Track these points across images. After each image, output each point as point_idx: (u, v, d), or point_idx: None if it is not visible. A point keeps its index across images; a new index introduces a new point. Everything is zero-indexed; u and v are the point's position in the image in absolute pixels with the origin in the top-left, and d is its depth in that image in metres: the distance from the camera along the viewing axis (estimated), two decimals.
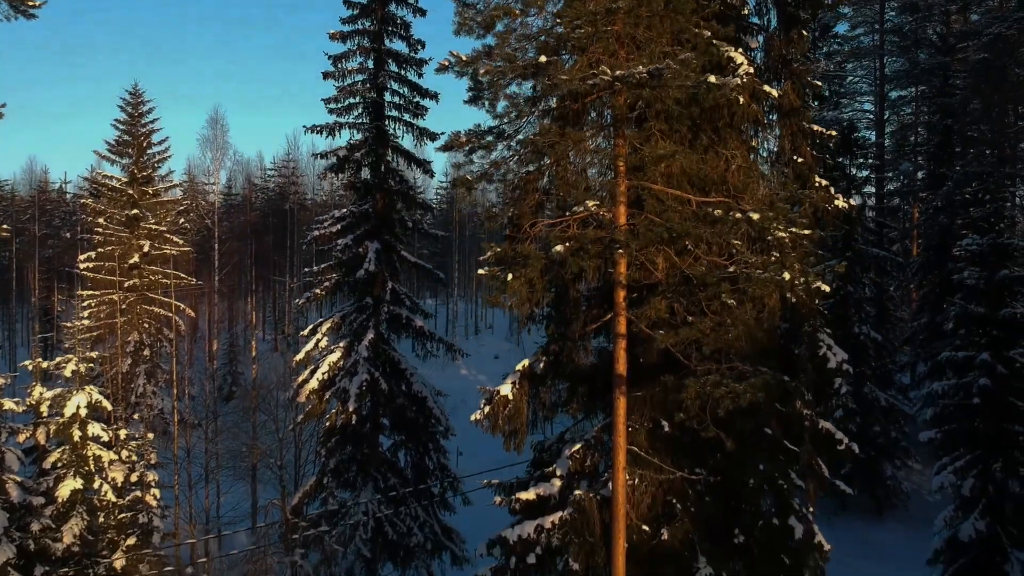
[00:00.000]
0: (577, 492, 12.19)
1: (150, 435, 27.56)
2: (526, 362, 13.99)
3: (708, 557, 11.96)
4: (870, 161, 35.15)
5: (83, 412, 24.14)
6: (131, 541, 24.32)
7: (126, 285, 42.91)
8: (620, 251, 10.71)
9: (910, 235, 44.49)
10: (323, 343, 25.28)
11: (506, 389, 13.80)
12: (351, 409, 23.83)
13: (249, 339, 52.54)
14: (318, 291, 25.20)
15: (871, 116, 41.01)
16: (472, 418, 13.85)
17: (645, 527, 12.17)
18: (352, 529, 24.01)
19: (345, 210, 25.56)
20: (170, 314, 42.98)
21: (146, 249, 43.36)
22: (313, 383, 24.55)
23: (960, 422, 22.44)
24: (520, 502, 12.81)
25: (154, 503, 25.04)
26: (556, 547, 12.15)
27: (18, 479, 23.21)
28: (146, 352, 43.90)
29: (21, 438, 24.30)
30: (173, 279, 42.99)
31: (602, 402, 13.44)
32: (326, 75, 25.79)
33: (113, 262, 42.48)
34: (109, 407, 25.16)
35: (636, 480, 12.34)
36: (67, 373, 24.79)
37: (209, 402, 28.21)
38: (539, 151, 12.67)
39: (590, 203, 12.13)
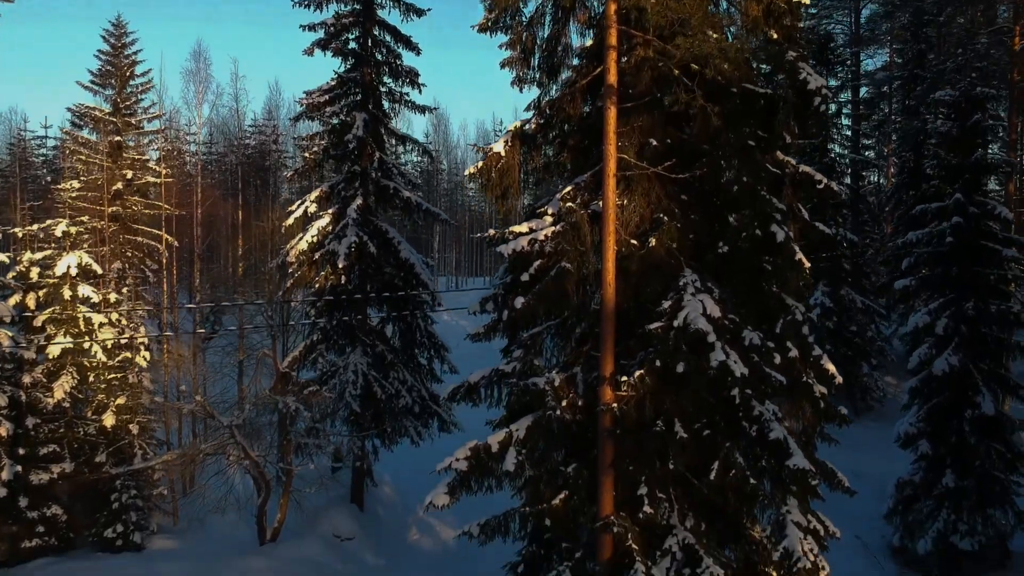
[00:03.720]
0: (569, 205, 12.66)
1: (141, 311, 27.85)
2: (517, 123, 14.42)
3: (693, 268, 12.46)
4: (847, 67, 35.93)
5: (73, 271, 24.38)
6: (121, 400, 24.56)
7: (109, 212, 42.97)
8: None
9: (885, 164, 45.30)
10: (312, 209, 25.62)
11: (498, 147, 14.23)
12: (341, 267, 24.16)
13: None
14: (307, 155, 25.54)
15: (845, 32, 41.79)
16: (467, 172, 14.30)
17: (634, 241, 12.67)
18: (342, 385, 24.34)
19: (333, 81, 25.85)
20: (153, 242, 42.97)
21: (129, 176, 43.40)
22: (302, 245, 24.85)
23: (934, 268, 23.13)
24: (513, 234, 13.27)
25: (144, 364, 25.26)
26: (550, 254, 12.61)
27: (9, 333, 23.44)
28: (129, 280, 43.96)
29: (11, 301, 24.52)
30: (164, 210, 42.93)
31: (594, 152, 13.89)
32: None
33: (96, 191, 42.50)
34: (99, 271, 25.40)
35: (625, 201, 12.84)
36: (57, 233, 25.01)
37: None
38: None
39: None
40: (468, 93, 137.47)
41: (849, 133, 36.74)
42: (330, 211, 25.54)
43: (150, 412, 25.45)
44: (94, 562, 22.55)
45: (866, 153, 39.08)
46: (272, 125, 71.77)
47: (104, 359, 24.53)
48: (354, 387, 24.38)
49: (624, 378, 11.88)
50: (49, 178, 57.47)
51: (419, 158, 75.30)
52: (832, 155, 34.90)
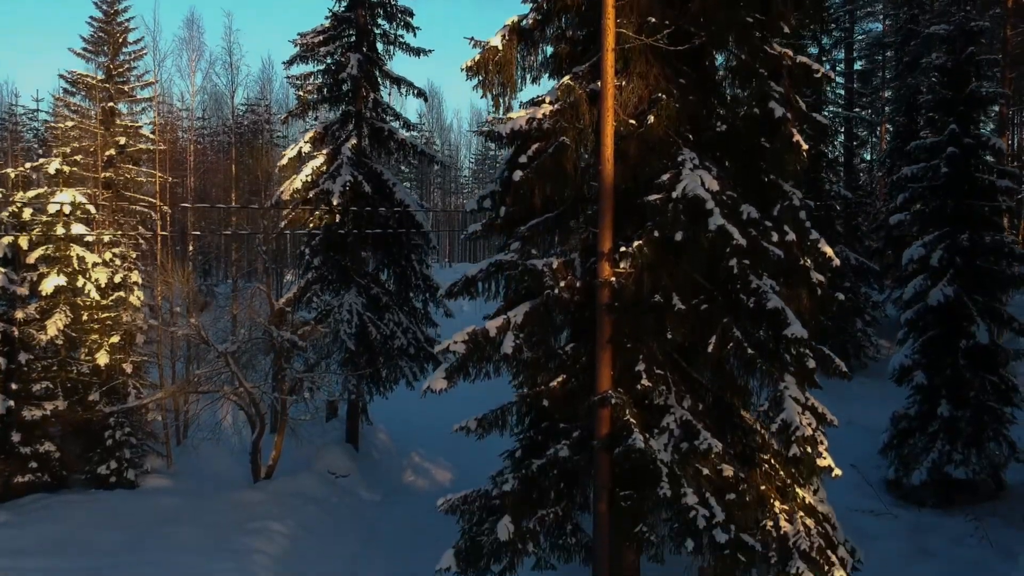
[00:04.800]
0: (568, 83, 12.61)
1: (133, 253, 27.76)
2: (515, 17, 14.39)
3: (690, 146, 12.45)
4: (841, 25, 35.97)
5: (67, 209, 24.25)
6: (114, 339, 24.44)
7: (103, 177, 42.76)
8: None
9: (878, 127, 45.37)
10: (306, 149, 25.54)
11: (495, 40, 14.17)
12: (335, 204, 24.09)
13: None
14: (301, 93, 25.48)
15: None
16: (463, 66, 14.25)
17: (632, 121, 12.65)
18: (336, 324, 24.28)
19: (327, 22, 25.77)
20: (147, 210, 42.76)
21: (122, 143, 43.20)
22: (296, 183, 24.80)
23: (929, 201, 23.17)
24: (511, 119, 13.24)
25: (138, 303, 25.15)
26: (549, 132, 12.59)
27: (2, 270, 23.32)
28: (120, 247, 43.76)
29: (4, 240, 24.37)
30: (157, 177, 42.70)
31: (592, 48, 13.85)
32: None
33: (89, 158, 42.25)
34: (93, 210, 25.28)
35: (623, 82, 12.82)
36: (50, 170, 24.87)
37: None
38: None
39: None
40: (465, 83, 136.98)
41: (843, 92, 36.79)
42: (324, 151, 25.50)
43: (143, 353, 25.36)
44: (88, 496, 22.46)
45: (861, 113, 39.06)
46: (265, 105, 71.51)
47: (97, 298, 24.40)
48: (349, 326, 24.33)
49: (623, 249, 11.85)
50: (41, 151, 57.21)
51: (416, 122, 75.24)
52: (827, 115, 34.96)
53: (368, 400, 26.23)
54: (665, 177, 11.94)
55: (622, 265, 12.11)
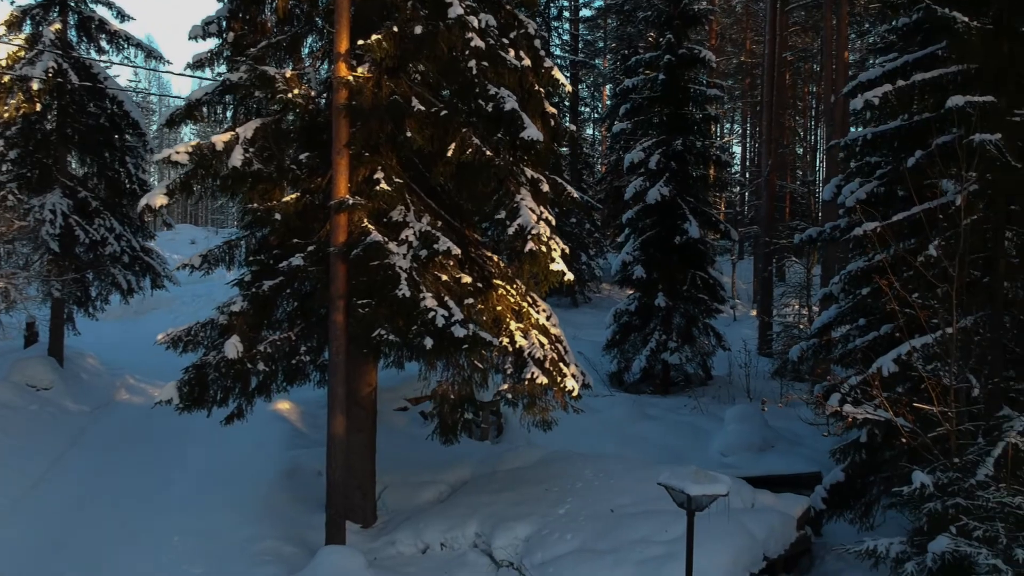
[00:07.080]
0: None
1: None
2: None
3: None
4: None
5: None
6: None
7: None
8: None
9: (599, 98, 47.72)
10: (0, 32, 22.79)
11: None
12: (35, 91, 21.64)
13: None
14: None
15: None
16: None
17: None
18: (38, 224, 21.84)
19: None
20: None
21: None
22: None
23: (648, 112, 24.63)
24: None
25: None
26: None
27: None
28: None
29: None
30: None
31: None
32: None
33: None
34: None
35: None
36: None
37: None
38: None
39: None
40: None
41: (568, 38, 38.38)
42: (23, 36, 22.86)
43: None
44: None
45: (588, 62, 40.99)
46: None
47: None
48: (52, 227, 21.97)
49: (361, 42, 11.42)
50: None
51: None
52: (554, 60, 36.25)
53: (76, 311, 23.89)
54: None
55: (360, 70, 11.69)
